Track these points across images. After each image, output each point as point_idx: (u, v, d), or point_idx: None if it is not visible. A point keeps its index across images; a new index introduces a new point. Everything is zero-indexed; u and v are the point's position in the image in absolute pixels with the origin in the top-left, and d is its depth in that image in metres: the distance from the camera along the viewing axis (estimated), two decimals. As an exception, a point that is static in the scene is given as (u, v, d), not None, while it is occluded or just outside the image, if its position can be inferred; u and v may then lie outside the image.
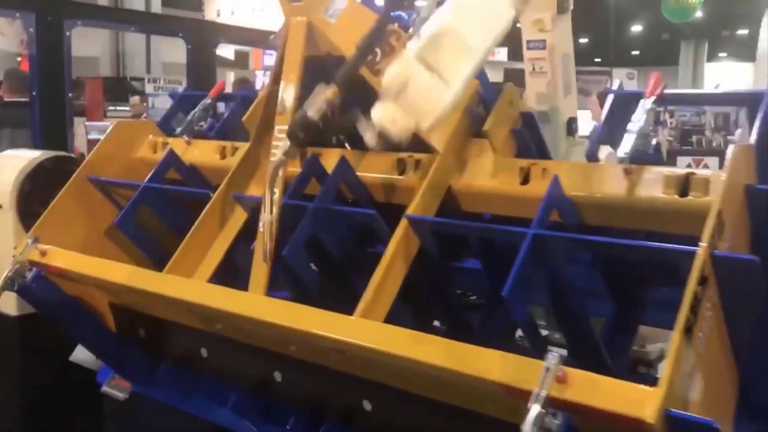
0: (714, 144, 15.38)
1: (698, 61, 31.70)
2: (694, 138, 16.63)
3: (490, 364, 1.61)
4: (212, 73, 5.29)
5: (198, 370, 2.77)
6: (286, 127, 2.24)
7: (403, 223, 2.07)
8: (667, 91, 1.99)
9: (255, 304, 2.09)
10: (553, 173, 2.02)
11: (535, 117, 2.24)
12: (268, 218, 2.13)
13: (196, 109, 2.97)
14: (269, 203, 2.12)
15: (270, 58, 17.43)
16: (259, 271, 2.18)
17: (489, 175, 2.15)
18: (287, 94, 2.24)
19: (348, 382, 2.23)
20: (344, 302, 2.46)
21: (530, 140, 2.23)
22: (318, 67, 2.31)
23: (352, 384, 2.23)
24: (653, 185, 1.89)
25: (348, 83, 1.90)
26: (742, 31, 29.64)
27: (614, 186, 1.94)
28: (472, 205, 2.18)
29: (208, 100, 2.99)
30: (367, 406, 2.26)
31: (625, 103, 2.13)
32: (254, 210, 2.51)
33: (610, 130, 2.11)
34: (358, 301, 2.48)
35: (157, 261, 2.88)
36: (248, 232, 2.52)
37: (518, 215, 2.12)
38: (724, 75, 30.23)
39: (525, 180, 2.08)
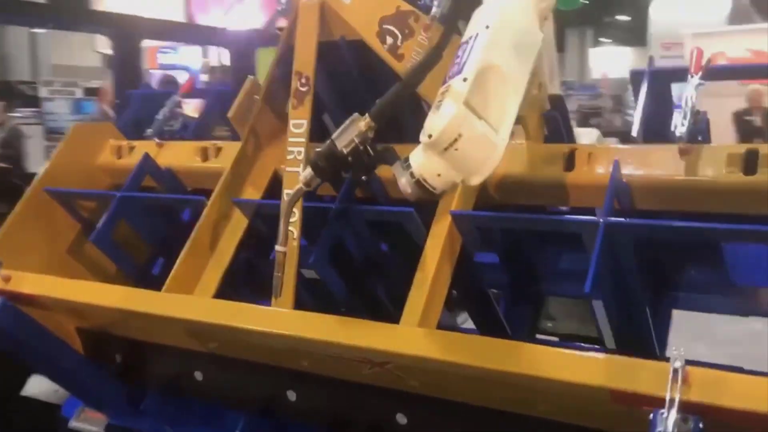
0: (617, 125, 15.90)
1: (583, 47, 32.81)
2: (593, 120, 17.14)
3: (594, 369, 1.48)
4: (138, 71, 4.93)
5: (191, 395, 2.51)
6: (303, 122, 2.04)
7: (446, 220, 1.90)
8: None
9: (293, 320, 1.87)
10: (603, 157, 1.90)
11: (564, 99, 2.12)
12: (281, 249, 1.91)
13: (165, 108, 2.69)
14: (284, 234, 1.89)
15: (166, 57, 16.73)
16: (285, 282, 1.95)
17: (527, 163, 2.00)
18: (302, 84, 2.02)
19: (378, 395, 2.05)
20: (363, 308, 2.29)
21: (562, 124, 2.10)
22: (330, 54, 2.11)
23: (383, 397, 2.06)
24: (714, 164, 1.80)
25: (386, 117, 1.71)
26: (623, 18, 30.91)
27: (672, 167, 1.83)
28: (510, 197, 2.03)
29: (177, 98, 2.72)
30: (401, 419, 2.08)
31: (663, 81, 2.04)
32: (256, 215, 2.28)
33: (652, 110, 2.01)
34: (377, 305, 2.31)
35: (137, 279, 2.60)
36: (251, 239, 2.29)
37: (563, 204, 1.99)
38: (607, 59, 31.49)
39: (569, 166, 1.95)
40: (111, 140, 2.78)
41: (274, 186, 2.35)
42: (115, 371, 2.67)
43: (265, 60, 5.54)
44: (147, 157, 2.51)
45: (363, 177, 1.87)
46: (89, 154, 2.75)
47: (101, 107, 6.45)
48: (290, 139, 2.03)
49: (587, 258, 2.05)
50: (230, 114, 2.41)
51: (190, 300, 2.08)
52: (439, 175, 1.58)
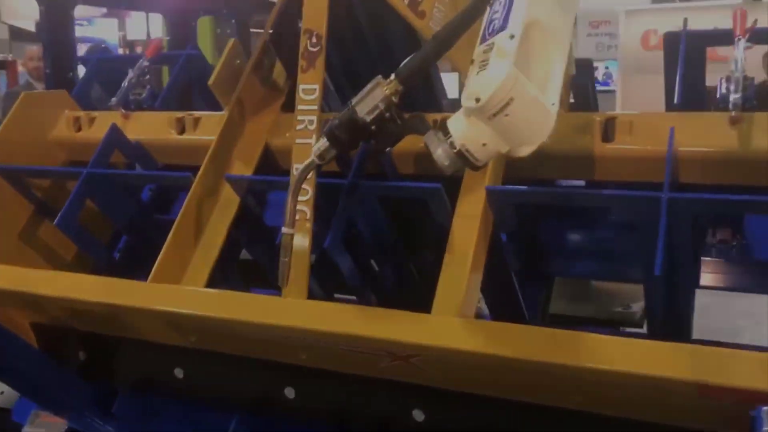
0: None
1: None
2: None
3: (678, 361, 1.32)
4: (72, 39, 4.51)
5: (170, 395, 2.25)
6: (314, 87, 1.80)
7: (476, 196, 1.71)
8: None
9: (312, 313, 1.64)
10: (647, 127, 1.74)
11: (592, 63, 1.95)
12: (288, 232, 1.68)
13: (131, 75, 2.39)
14: (291, 214, 1.66)
15: (82, 29, 15.86)
16: (297, 269, 1.73)
17: (559, 134, 1.82)
18: (313, 44, 1.77)
19: (393, 390, 1.86)
20: (371, 294, 2.09)
21: (589, 89, 1.94)
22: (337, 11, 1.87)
23: (398, 392, 1.87)
24: (769, 134, 1.67)
25: (416, 80, 1.50)
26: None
27: (724, 137, 1.69)
28: (540, 171, 1.84)
29: (144, 63, 2.42)
30: (418, 416, 1.90)
31: (698, 44, 1.90)
32: (249, 193, 2.04)
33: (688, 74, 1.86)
34: (384, 290, 2.11)
35: (102, 265, 2.32)
36: (244, 220, 2.05)
37: (600, 178, 1.83)
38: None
39: (607, 137, 1.79)
40: (66, 111, 2.47)
41: (266, 161, 2.11)
42: (78, 370, 2.38)
43: (205, 29, 5.19)
44: (115, 129, 2.22)
45: (388, 149, 1.65)
46: (41, 127, 2.43)
47: (27, 79, 5.95)
48: (300, 107, 1.79)
49: (611, 237, 1.90)
50: (211, 81, 2.14)
51: (188, 292, 1.82)
52: (484, 144, 1.39)
